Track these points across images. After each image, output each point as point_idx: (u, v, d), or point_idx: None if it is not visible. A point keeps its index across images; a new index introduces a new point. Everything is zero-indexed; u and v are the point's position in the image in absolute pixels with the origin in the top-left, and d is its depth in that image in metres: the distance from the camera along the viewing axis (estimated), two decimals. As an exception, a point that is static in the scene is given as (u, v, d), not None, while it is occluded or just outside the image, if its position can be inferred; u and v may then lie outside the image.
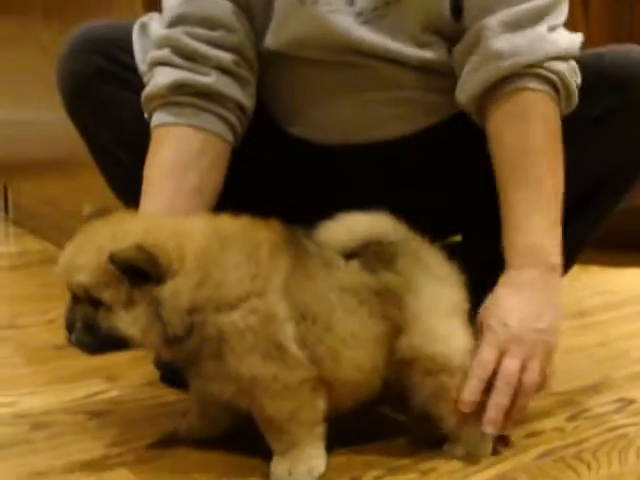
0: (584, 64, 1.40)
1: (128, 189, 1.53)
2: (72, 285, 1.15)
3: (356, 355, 1.21)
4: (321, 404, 1.21)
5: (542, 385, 1.29)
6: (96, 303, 1.14)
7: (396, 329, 1.23)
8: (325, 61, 1.44)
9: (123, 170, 1.55)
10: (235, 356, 1.15)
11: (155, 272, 1.12)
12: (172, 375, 1.57)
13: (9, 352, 1.80)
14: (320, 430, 1.22)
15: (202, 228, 1.19)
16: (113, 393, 1.55)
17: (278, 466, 1.21)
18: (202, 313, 1.14)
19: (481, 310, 1.31)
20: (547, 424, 1.42)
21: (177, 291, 1.13)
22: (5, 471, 1.25)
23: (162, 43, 1.41)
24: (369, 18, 1.39)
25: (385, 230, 1.25)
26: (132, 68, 1.48)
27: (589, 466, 1.28)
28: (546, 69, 1.34)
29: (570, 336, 1.88)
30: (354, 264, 1.23)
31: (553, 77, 1.34)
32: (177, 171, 1.35)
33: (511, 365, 1.25)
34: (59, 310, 1.99)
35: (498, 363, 1.26)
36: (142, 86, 1.43)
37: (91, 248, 1.14)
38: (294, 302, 1.17)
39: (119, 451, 1.31)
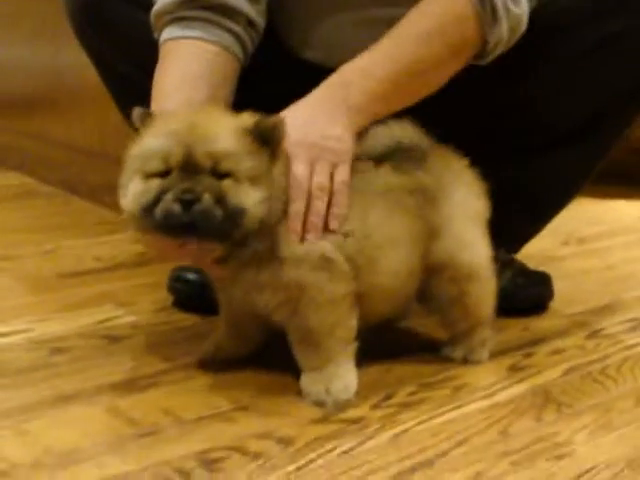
0: None
1: (130, 102, 1.50)
2: (199, 155, 1.09)
3: (393, 260, 1.22)
4: (355, 322, 1.22)
5: (336, 194, 1.20)
6: (223, 176, 1.10)
7: (430, 230, 1.25)
8: None
9: (133, 89, 1.51)
10: (287, 263, 1.15)
11: (277, 149, 1.12)
12: (186, 299, 1.56)
13: (10, 282, 1.76)
14: (353, 347, 1.23)
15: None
16: (127, 319, 1.53)
17: (313, 384, 1.21)
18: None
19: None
20: (567, 342, 1.44)
21: (280, 173, 1.14)
22: (32, 395, 1.23)
23: None
24: None
25: (409, 135, 1.25)
26: None
27: (615, 381, 1.30)
28: None
29: (574, 261, 1.90)
30: (385, 168, 1.24)
31: None
32: (188, 82, 1.31)
33: (298, 169, 1.19)
34: (54, 242, 2.01)
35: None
36: (152, 4, 1.40)
37: (215, 121, 1.12)
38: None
39: (147, 373, 1.30)
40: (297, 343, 1.21)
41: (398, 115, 1.28)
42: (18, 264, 1.89)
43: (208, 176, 1.09)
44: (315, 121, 1.21)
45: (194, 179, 1.08)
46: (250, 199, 1.10)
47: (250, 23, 1.39)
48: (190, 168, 1.09)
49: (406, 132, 1.26)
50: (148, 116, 1.16)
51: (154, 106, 1.31)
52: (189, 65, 1.33)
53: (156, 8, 1.37)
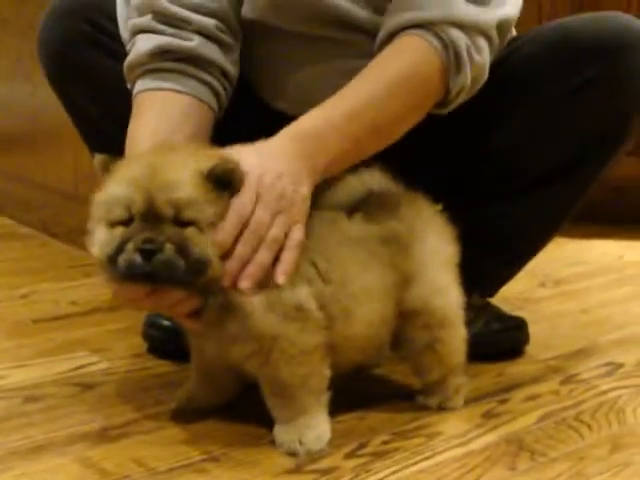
0: (555, 36, 1.42)
1: (101, 148, 1.50)
2: (160, 203, 1.08)
3: (368, 310, 1.22)
4: (327, 372, 1.21)
5: (286, 244, 1.18)
6: (185, 224, 1.09)
7: (403, 279, 1.25)
8: (301, 33, 1.43)
9: (104, 138, 1.52)
10: (256, 313, 1.14)
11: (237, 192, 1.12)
12: (161, 345, 1.55)
13: (-13, 327, 1.76)
14: (325, 398, 1.22)
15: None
16: (102, 365, 1.53)
17: (286, 435, 1.20)
18: None
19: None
20: (542, 388, 1.44)
21: None
22: (5, 445, 1.22)
23: (143, 9, 1.38)
24: None
25: (379, 183, 1.26)
26: (116, 36, 1.45)
27: (590, 427, 1.29)
28: (441, 29, 1.30)
29: (551, 304, 1.90)
30: (358, 217, 1.24)
31: (445, 38, 1.30)
32: (162, 135, 1.31)
33: (260, 215, 1.17)
34: (30, 286, 2.01)
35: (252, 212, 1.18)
36: (122, 53, 1.40)
37: (177, 167, 1.11)
38: (306, 265, 1.17)
39: (119, 422, 1.29)
40: (269, 394, 1.21)
41: (367, 162, 1.28)
42: (-6, 308, 1.88)
43: (170, 225, 1.08)
44: (287, 173, 1.20)
45: (156, 228, 1.08)
46: (213, 248, 1.10)
47: (224, 74, 1.39)
48: (152, 216, 1.08)
49: (376, 180, 1.27)
50: (111, 162, 1.15)
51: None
52: (163, 117, 1.32)
53: (129, 59, 1.38)
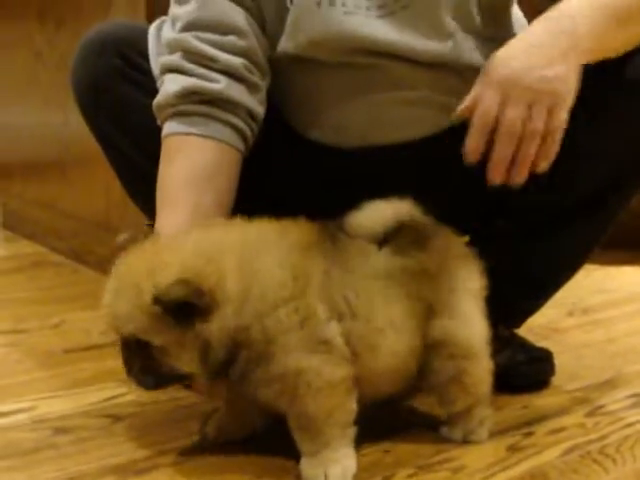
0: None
1: (142, 191, 1.54)
2: (121, 332, 1.16)
3: (394, 342, 1.23)
4: (354, 405, 1.22)
5: (549, 136, 1.23)
6: (149, 345, 1.15)
7: (430, 311, 1.26)
8: (340, 63, 1.44)
9: (137, 173, 1.55)
10: (282, 352, 1.16)
11: (202, 305, 1.12)
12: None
13: (19, 357, 1.79)
14: (351, 431, 1.23)
15: (234, 242, 1.19)
16: (131, 396, 1.54)
17: (311, 469, 1.22)
18: (248, 329, 1.16)
19: (489, 59, 1.28)
20: (567, 421, 1.44)
21: (224, 320, 1.14)
22: (37, 476, 1.25)
23: (172, 47, 1.41)
24: (392, 10, 1.40)
25: (411, 215, 1.27)
26: (147, 71, 1.49)
27: (614, 461, 1.30)
28: None
29: (577, 334, 1.91)
30: (387, 249, 1.25)
31: None
32: (194, 185, 1.35)
33: (512, 112, 1.20)
34: (62, 315, 2.04)
35: (500, 112, 1.22)
36: (155, 89, 1.43)
37: (131, 291, 1.14)
38: (333, 300, 1.19)
39: (149, 454, 1.31)
40: (296, 429, 1.22)
41: (398, 195, 1.29)
42: (27, 338, 1.91)
43: (138, 346, 1.16)
44: (536, 59, 1.20)
45: (128, 349, 1.18)
46: (179, 361, 1.16)
47: (250, 114, 1.42)
48: (124, 339, 1.17)
49: (408, 212, 1.28)
50: (119, 249, 1.21)
51: (160, 207, 1.35)
52: (194, 166, 1.36)
53: (157, 100, 1.41)
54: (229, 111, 1.39)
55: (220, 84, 1.38)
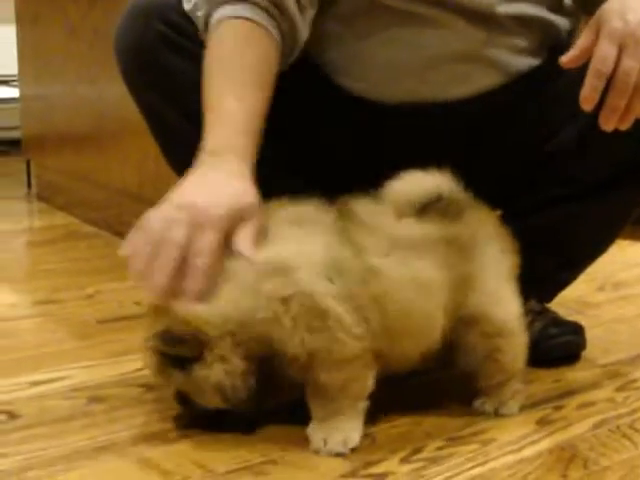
0: None
1: (177, 153, 1.53)
2: None
3: (422, 306, 1.23)
4: (370, 381, 1.23)
5: None
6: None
7: (462, 284, 1.26)
8: (398, 10, 1.42)
9: (174, 135, 1.54)
10: (285, 342, 1.17)
11: (186, 353, 1.18)
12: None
13: (53, 327, 1.81)
14: (363, 405, 1.24)
15: None
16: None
17: (314, 432, 1.24)
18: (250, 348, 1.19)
19: (600, 8, 1.29)
20: (598, 395, 1.44)
21: (225, 356, 1.19)
22: (69, 445, 1.26)
23: None
24: None
25: (449, 188, 1.27)
26: (192, 36, 1.45)
27: (644, 435, 1.29)
28: None
29: (608, 308, 1.90)
30: (421, 219, 1.26)
31: None
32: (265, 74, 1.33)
33: (629, 63, 1.23)
34: (95, 285, 2.06)
35: (617, 61, 1.24)
36: (200, 54, 1.39)
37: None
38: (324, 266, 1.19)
39: (180, 424, 1.32)
40: (310, 394, 1.24)
41: (438, 167, 1.28)
42: (61, 308, 1.93)
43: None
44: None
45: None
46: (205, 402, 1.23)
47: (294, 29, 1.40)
48: None
49: (446, 185, 1.28)
50: None
51: (224, 92, 1.31)
52: (265, 57, 1.34)
53: None
54: (283, 15, 1.36)
55: None
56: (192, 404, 1.25)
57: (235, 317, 1.17)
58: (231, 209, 1.19)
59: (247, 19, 1.34)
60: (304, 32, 1.41)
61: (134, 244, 1.18)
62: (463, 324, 1.29)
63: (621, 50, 1.23)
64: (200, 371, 1.19)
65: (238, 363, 1.18)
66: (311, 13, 1.42)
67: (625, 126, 1.28)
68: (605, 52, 1.23)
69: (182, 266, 1.17)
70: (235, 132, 1.27)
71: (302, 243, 1.21)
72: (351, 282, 1.19)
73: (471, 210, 1.31)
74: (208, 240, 1.17)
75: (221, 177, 1.23)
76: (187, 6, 1.43)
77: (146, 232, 1.18)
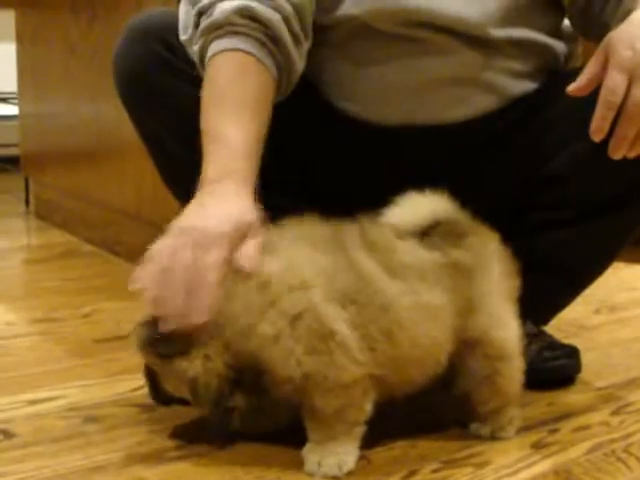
0: None
1: (176, 179, 1.54)
2: None
3: (424, 333, 1.23)
4: (368, 406, 1.23)
5: None
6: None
7: (464, 308, 1.26)
8: (397, 35, 1.44)
9: (172, 160, 1.54)
10: (280, 362, 1.18)
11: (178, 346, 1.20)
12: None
13: (50, 345, 1.81)
14: (360, 430, 1.24)
15: None
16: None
17: (309, 454, 1.24)
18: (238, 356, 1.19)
19: (608, 36, 1.29)
20: (593, 418, 1.44)
21: (212, 358, 1.20)
22: (65, 464, 1.26)
23: None
24: None
25: (447, 211, 1.27)
26: (188, 59, 1.45)
27: (638, 460, 1.30)
28: None
29: (604, 331, 1.91)
30: (421, 244, 1.25)
31: None
32: (261, 103, 1.34)
33: (639, 94, 1.23)
34: (92, 304, 2.06)
35: (627, 90, 1.24)
36: (198, 78, 1.41)
37: None
38: (338, 292, 1.19)
39: (176, 444, 1.32)
40: (306, 417, 1.24)
41: (433, 180, 1.29)
42: (58, 327, 1.94)
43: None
44: None
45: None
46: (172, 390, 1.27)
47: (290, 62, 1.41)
48: None
49: (445, 208, 1.28)
50: None
51: (225, 121, 1.31)
52: (259, 87, 1.35)
53: (211, 20, 1.36)
54: (279, 49, 1.37)
55: (276, 17, 1.36)
56: (158, 395, 1.30)
57: (234, 328, 1.18)
58: (232, 227, 1.21)
59: (243, 51, 1.35)
60: (300, 64, 1.42)
61: (143, 276, 1.19)
62: (465, 346, 1.29)
63: (631, 80, 1.24)
64: (181, 363, 1.20)
65: (220, 366, 1.19)
66: (306, 46, 1.44)
67: (634, 154, 1.29)
68: (615, 82, 1.24)
69: (192, 286, 1.18)
70: (234, 157, 1.28)
71: (316, 263, 1.21)
72: (363, 311, 1.19)
73: (472, 232, 1.31)
74: (213, 257, 1.18)
75: (220, 200, 1.23)
76: (183, 37, 1.44)
77: (153, 262, 1.19)
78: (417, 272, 1.24)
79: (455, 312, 1.26)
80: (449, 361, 1.29)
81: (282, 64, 1.38)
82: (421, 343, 1.23)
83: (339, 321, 1.18)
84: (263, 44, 1.36)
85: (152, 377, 1.28)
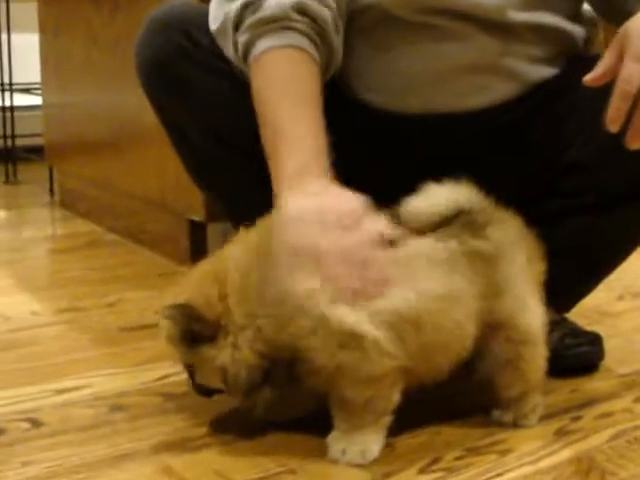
0: None
1: (197, 168, 1.55)
2: None
3: (450, 319, 1.23)
4: (395, 397, 1.24)
5: None
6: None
7: (489, 294, 1.26)
8: (419, 23, 1.44)
9: (194, 150, 1.56)
10: (316, 352, 1.18)
11: (200, 331, 1.20)
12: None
13: (76, 335, 1.83)
14: (386, 420, 1.25)
15: (238, 256, 1.23)
16: (184, 375, 1.56)
17: (334, 442, 1.25)
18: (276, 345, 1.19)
19: (624, 26, 1.28)
20: (615, 405, 1.44)
21: (241, 347, 1.20)
22: (92, 453, 1.28)
23: None
24: None
25: (469, 200, 1.27)
26: (210, 50, 1.46)
27: (662, 447, 1.30)
28: None
29: (628, 318, 1.90)
30: (445, 232, 1.26)
31: None
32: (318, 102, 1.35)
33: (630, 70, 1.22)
34: (117, 294, 2.08)
35: None
36: (219, 68, 1.42)
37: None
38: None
39: (200, 433, 1.34)
40: (334, 406, 1.25)
41: (456, 177, 1.29)
42: (83, 317, 1.96)
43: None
44: None
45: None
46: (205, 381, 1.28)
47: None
48: None
49: (467, 198, 1.28)
50: None
51: (290, 124, 1.32)
52: (317, 84, 1.37)
53: (265, 14, 1.38)
54: (325, 43, 1.39)
55: (326, 13, 1.38)
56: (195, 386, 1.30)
57: (270, 316, 1.19)
58: (359, 204, 1.23)
59: (300, 48, 1.37)
60: (341, 52, 1.45)
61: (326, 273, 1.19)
62: (489, 330, 1.29)
63: None
64: (209, 351, 1.21)
65: (249, 355, 1.19)
66: (342, 31, 1.45)
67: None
68: (630, 72, 1.23)
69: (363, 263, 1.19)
70: (315, 153, 1.29)
71: None
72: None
73: (496, 218, 1.30)
74: (367, 232, 1.21)
75: (325, 189, 1.25)
76: (213, 27, 1.45)
77: (312, 256, 1.19)
78: (441, 261, 1.24)
79: (480, 297, 1.26)
80: (474, 346, 1.29)
81: (326, 54, 1.40)
82: (446, 329, 1.23)
83: (365, 324, 1.18)
84: (313, 40, 1.38)
85: (189, 368, 1.28)
